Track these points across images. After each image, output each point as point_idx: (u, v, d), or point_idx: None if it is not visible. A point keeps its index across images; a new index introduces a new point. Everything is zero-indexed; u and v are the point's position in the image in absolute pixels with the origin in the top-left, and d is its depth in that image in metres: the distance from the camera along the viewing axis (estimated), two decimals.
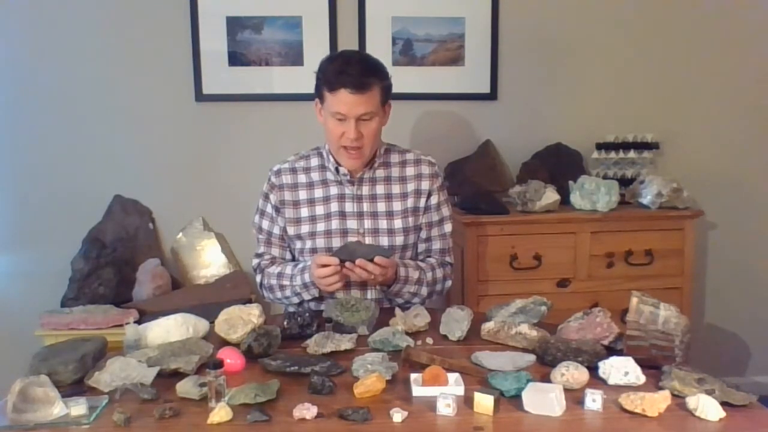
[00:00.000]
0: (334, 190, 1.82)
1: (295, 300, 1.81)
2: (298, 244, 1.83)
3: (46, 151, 2.60)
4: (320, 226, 1.80)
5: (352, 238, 1.79)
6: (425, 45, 2.69)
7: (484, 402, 1.12)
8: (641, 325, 1.30)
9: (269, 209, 1.86)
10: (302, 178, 1.84)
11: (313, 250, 1.79)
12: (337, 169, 1.80)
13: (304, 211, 1.81)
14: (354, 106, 1.66)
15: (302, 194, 1.83)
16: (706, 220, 2.81)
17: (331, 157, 1.81)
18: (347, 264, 1.62)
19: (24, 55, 2.56)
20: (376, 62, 1.74)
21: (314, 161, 1.86)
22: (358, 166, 1.78)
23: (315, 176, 1.84)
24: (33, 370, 1.26)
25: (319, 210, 1.81)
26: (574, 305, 1.86)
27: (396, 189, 1.83)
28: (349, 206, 1.81)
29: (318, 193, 1.82)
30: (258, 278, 1.88)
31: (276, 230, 1.85)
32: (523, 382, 1.18)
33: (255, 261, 1.89)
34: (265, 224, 1.86)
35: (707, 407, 1.11)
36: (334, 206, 1.81)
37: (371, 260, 1.61)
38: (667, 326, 1.29)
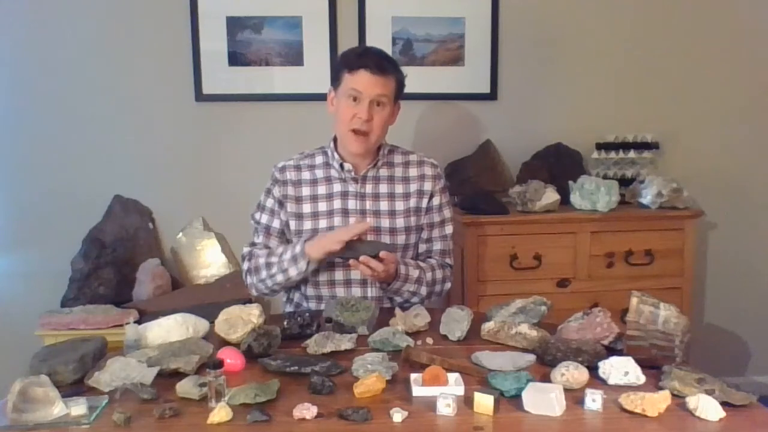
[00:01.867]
0: (337, 187, 1.82)
1: (279, 278, 1.74)
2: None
3: (46, 151, 2.60)
4: (322, 223, 1.80)
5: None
6: (425, 45, 2.69)
7: (484, 402, 1.12)
8: (641, 325, 1.30)
9: (270, 204, 1.85)
10: (306, 174, 1.84)
11: None
12: (341, 165, 1.81)
13: (307, 208, 1.82)
14: (371, 86, 1.72)
15: (305, 191, 1.83)
16: (706, 220, 2.81)
17: (335, 154, 1.82)
18: (351, 262, 1.63)
19: (24, 56, 2.56)
20: (393, 58, 1.84)
21: (319, 159, 1.87)
22: (362, 151, 1.78)
23: (319, 173, 1.84)
24: (33, 370, 1.26)
25: (322, 206, 1.81)
26: (574, 305, 1.86)
27: (399, 189, 1.84)
28: (352, 204, 1.81)
29: (321, 189, 1.82)
30: (245, 265, 1.84)
31: (275, 224, 1.84)
32: (523, 382, 1.18)
33: (246, 249, 1.86)
34: (264, 218, 1.85)
35: (707, 407, 1.11)
36: (337, 203, 1.81)
37: (374, 256, 1.61)
38: (667, 326, 1.28)
